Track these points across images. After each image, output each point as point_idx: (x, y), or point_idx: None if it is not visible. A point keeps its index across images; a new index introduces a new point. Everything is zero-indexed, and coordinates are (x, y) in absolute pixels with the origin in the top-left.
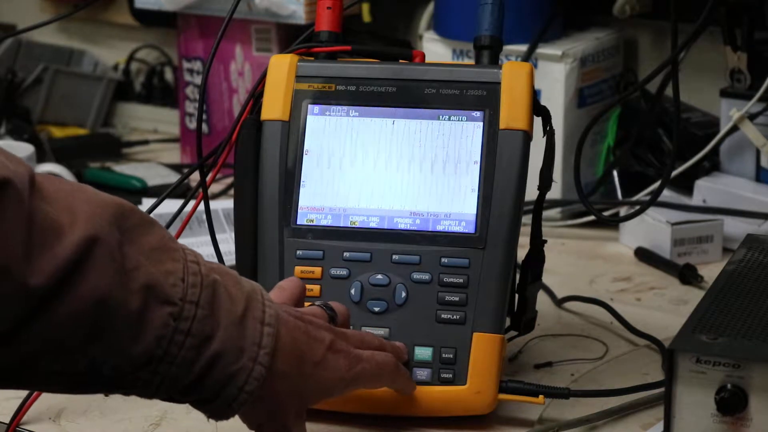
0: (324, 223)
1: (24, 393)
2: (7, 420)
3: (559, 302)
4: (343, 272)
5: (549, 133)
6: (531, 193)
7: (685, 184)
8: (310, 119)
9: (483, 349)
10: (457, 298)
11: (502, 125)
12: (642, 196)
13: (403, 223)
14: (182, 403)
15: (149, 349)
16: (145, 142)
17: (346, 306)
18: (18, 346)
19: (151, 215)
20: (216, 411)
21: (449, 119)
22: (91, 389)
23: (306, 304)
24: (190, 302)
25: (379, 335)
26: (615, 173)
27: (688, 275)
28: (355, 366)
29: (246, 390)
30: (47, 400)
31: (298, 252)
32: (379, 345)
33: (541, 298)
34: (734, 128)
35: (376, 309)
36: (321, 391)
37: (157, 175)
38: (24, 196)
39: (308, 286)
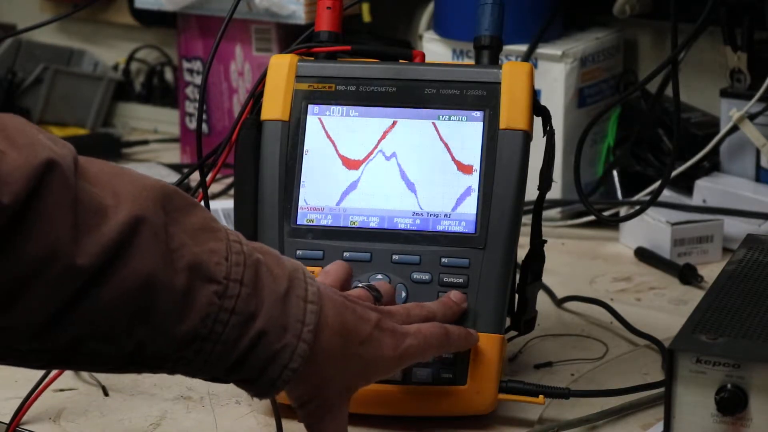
0: (324, 223)
1: (24, 393)
2: (7, 420)
3: (559, 302)
4: None
5: (549, 133)
6: (531, 193)
7: (685, 184)
8: (310, 119)
9: (483, 349)
10: None
11: (502, 125)
12: (642, 196)
13: (403, 223)
14: (226, 382)
15: (194, 327)
16: (145, 142)
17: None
18: (66, 327)
19: None
20: (260, 390)
21: (449, 119)
22: (136, 369)
23: None
24: (234, 280)
25: None
26: (615, 173)
27: (688, 275)
28: (401, 344)
29: (290, 367)
30: (47, 400)
31: (298, 252)
32: (426, 314)
33: (541, 298)
34: (734, 128)
35: None
36: (367, 370)
37: (157, 175)
38: (70, 178)
39: None
